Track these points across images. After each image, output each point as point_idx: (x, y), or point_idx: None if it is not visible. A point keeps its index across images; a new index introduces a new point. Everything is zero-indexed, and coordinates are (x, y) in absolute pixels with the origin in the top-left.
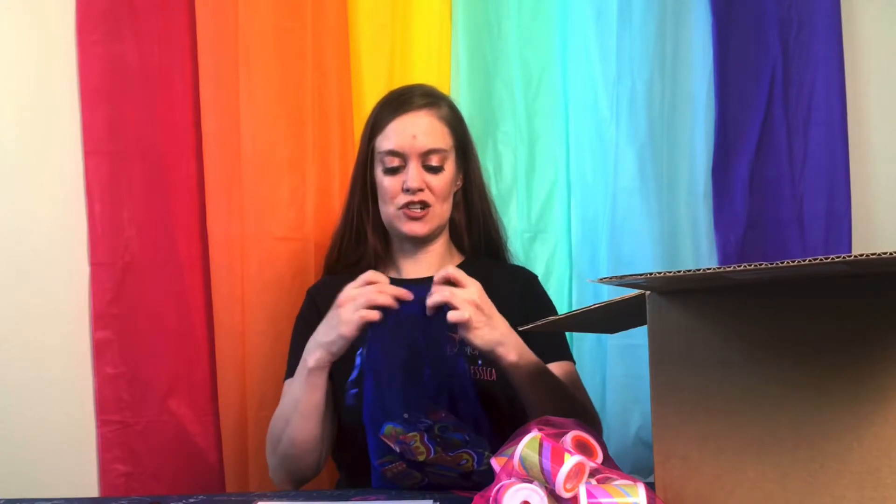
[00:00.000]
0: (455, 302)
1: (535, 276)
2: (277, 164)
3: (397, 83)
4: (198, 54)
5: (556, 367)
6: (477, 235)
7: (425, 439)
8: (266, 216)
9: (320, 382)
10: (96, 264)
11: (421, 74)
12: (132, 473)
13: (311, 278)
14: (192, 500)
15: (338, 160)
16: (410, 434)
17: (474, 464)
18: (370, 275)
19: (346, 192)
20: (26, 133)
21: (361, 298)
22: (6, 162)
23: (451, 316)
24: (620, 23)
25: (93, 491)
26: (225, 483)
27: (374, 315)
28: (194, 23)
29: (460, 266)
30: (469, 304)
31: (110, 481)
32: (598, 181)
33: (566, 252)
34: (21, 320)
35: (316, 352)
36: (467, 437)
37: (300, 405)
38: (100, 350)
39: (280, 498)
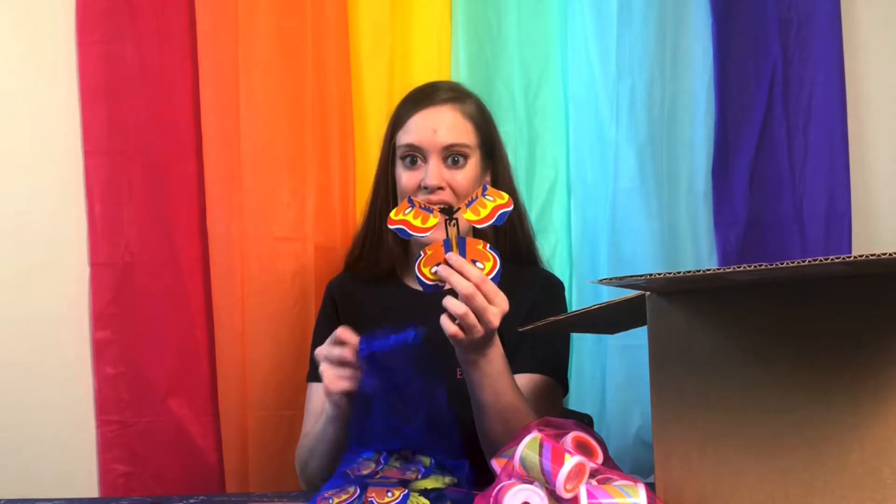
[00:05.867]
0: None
1: (557, 284)
2: (277, 164)
3: (397, 83)
4: (198, 54)
5: (525, 378)
6: (505, 239)
7: (381, 457)
8: (266, 216)
9: (339, 423)
10: (96, 264)
11: (421, 74)
12: (132, 473)
13: (311, 278)
14: (192, 501)
15: (338, 160)
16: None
17: (419, 475)
18: (340, 333)
19: (352, 192)
20: (26, 133)
21: (329, 373)
22: (6, 162)
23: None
24: (620, 23)
25: (93, 491)
26: (225, 483)
27: (346, 385)
28: (194, 23)
29: None
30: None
31: (110, 481)
32: (598, 181)
33: (566, 252)
34: (21, 320)
35: (328, 404)
36: (431, 463)
37: (325, 442)
38: (100, 350)
39: (280, 498)
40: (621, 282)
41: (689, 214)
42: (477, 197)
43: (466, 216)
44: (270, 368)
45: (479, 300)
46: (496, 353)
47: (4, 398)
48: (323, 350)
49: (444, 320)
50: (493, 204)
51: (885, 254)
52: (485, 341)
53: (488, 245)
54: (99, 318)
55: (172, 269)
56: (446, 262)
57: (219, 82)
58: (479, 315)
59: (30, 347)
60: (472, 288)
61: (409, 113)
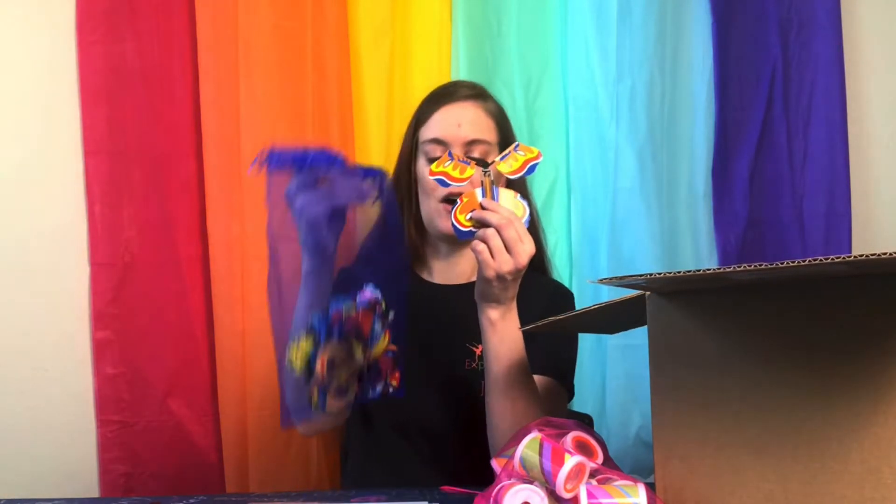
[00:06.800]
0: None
1: (567, 294)
2: None
3: (397, 83)
4: (198, 54)
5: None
6: None
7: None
8: (266, 216)
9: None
10: (96, 264)
11: (421, 74)
12: (132, 473)
13: None
14: (192, 501)
15: None
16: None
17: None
18: None
19: None
20: (26, 133)
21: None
22: (6, 162)
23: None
24: (620, 23)
25: (93, 491)
26: (225, 483)
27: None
28: (194, 23)
29: None
30: (492, 236)
31: (110, 481)
32: (598, 181)
33: (566, 252)
34: (21, 320)
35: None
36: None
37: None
38: (100, 350)
39: (280, 498)
40: (621, 282)
41: (689, 214)
42: (510, 152)
43: (500, 167)
44: (270, 368)
45: (510, 232)
46: (515, 316)
47: (5, 398)
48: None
49: (475, 243)
50: (524, 157)
51: (885, 254)
52: (509, 286)
53: (518, 195)
54: (99, 318)
55: (172, 269)
56: (481, 208)
57: (219, 82)
58: (511, 247)
59: (30, 347)
60: (506, 219)
61: (432, 109)
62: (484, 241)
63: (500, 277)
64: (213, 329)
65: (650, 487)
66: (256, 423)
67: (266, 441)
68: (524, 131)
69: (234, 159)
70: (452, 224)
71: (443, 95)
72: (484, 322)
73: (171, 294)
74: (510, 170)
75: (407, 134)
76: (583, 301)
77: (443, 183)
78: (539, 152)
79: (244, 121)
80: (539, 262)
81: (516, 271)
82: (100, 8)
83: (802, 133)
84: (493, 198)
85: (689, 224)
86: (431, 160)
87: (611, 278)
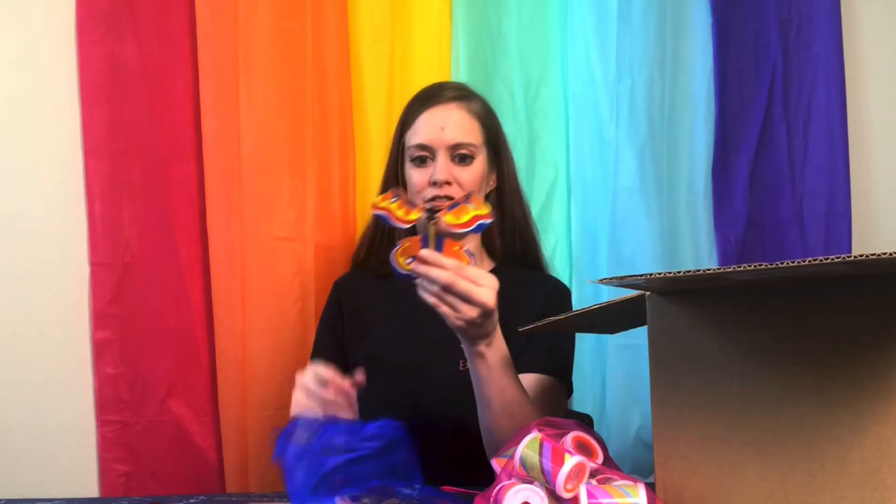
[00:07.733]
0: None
1: (565, 290)
2: (277, 164)
3: (397, 83)
4: (198, 54)
5: (531, 378)
6: (511, 241)
7: None
8: (266, 216)
9: None
10: (96, 264)
11: (421, 74)
12: (132, 473)
13: (311, 278)
14: (192, 501)
15: (338, 160)
16: None
17: None
18: (323, 373)
19: (352, 192)
20: (26, 133)
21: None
22: (6, 161)
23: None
24: (620, 23)
25: (93, 491)
26: (225, 483)
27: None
28: (194, 23)
29: (490, 272)
30: (434, 294)
31: (110, 481)
32: (598, 181)
33: (566, 252)
34: (21, 320)
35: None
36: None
37: None
38: (100, 350)
39: (280, 498)
40: (621, 282)
41: (689, 214)
42: (461, 203)
43: (447, 219)
44: (270, 368)
45: (462, 285)
46: (501, 342)
47: (4, 398)
48: (302, 378)
49: (426, 295)
50: (474, 212)
51: (885, 254)
52: (485, 324)
53: (465, 248)
54: (99, 318)
55: (172, 269)
56: (420, 258)
57: (219, 82)
58: (467, 297)
59: (30, 347)
60: (451, 276)
61: (416, 112)
62: (436, 297)
63: (470, 322)
64: (213, 329)
65: (650, 487)
66: (256, 423)
67: (266, 441)
68: (524, 131)
69: (234, 159)
70: (392, 264)
71: (427, 98)
72: (468, 354)
73: (171, 294)
74: (456, 222)
75: (394, 136)
76: (583, 301)
77: (385, 221)
78: (490, 211)
79: (244, 121)
80: (535, 260)
81: (484, 313)
82: (100, 8)
83: (802, 133)
84: (436, 248)
85: (689, 224)
86: (416, 163)
87: (611, 278)
